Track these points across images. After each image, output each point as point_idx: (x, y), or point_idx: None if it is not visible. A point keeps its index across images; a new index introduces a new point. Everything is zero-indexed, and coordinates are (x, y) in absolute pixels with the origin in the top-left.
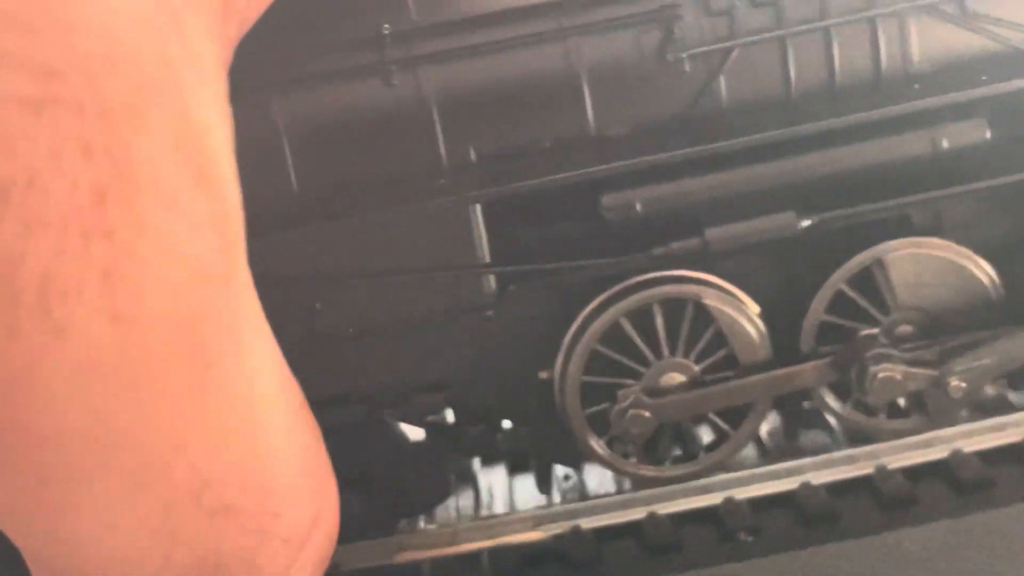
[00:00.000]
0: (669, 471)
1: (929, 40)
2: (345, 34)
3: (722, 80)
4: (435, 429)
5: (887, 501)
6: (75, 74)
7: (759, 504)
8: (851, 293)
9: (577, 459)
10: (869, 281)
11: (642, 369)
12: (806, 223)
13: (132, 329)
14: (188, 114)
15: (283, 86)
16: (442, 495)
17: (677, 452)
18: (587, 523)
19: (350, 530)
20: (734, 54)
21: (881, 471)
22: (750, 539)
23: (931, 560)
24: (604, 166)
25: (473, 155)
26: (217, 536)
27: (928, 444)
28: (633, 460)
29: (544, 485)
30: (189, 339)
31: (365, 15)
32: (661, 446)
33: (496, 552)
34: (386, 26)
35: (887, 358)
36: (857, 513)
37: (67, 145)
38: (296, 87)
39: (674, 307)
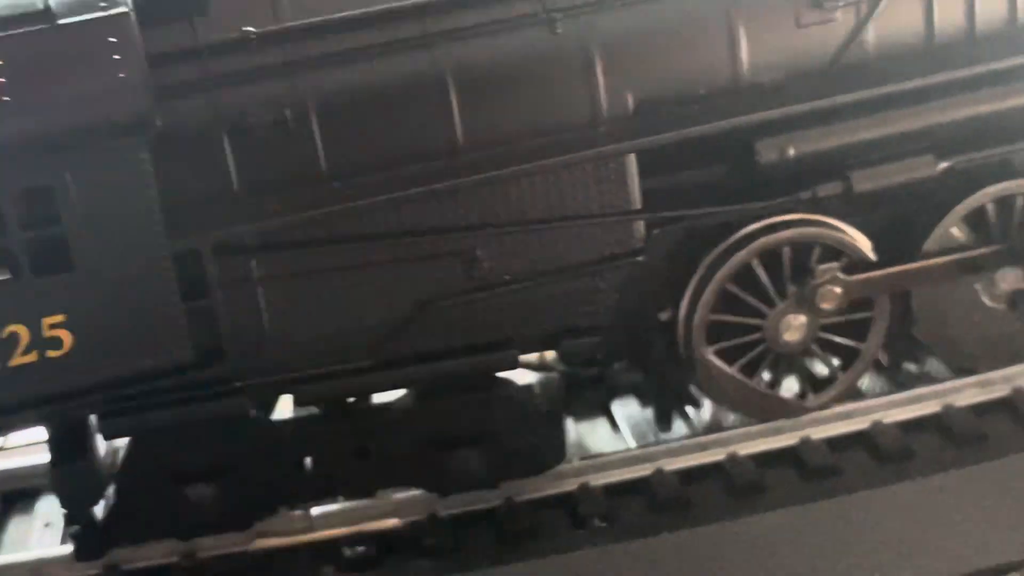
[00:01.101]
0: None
1: None
2: None
3: (871, 28)
4: (551, 377)
5: (737, 488)
6: None
7: (614, 490)
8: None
9: (694, 398)
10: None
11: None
12: (944, 165)
13: None
14: None
15: (451, 36)
16: (559, 455)
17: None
18: (444, 510)
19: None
20: (883, 3)
21: (732, 458)
22: (604, 525)
23: (778, 545)
24: (763, 112)
25: (631, 103)
26: None
27: (778, 431)
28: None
29: (664, 423)
30: None
31: None
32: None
33: (353, 539)
34: None
35: None
36: (708, 499)
37: None
38: (463, 37)
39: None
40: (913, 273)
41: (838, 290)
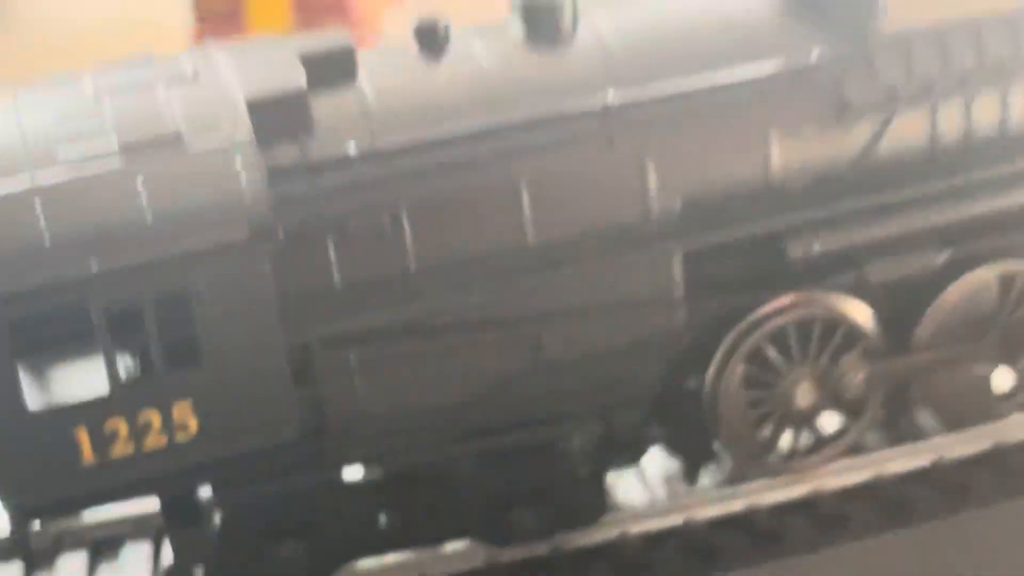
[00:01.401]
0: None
1: None
2: (572, 107)
3: (884, 138)
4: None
5: (758, 536)
6: None
7: (651, 539)
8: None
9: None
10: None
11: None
12: (943, 257)
13: None
14: None
15: (524, 153)
16: (602, 508)
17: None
18: (501, 559)
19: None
20: (895, 118)
21: (752, 508)
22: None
23: None
24: (794, 215)
25: (678, 204)
26: None
27: (794, 483)
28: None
29: (691, 478)
30: None
31: (593, 93)
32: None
33: None
34: (611, 96)
35: None
36: (733, 548)
37: None
38: (535, 153)
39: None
40: (935, 360)
41: (861, 378)
